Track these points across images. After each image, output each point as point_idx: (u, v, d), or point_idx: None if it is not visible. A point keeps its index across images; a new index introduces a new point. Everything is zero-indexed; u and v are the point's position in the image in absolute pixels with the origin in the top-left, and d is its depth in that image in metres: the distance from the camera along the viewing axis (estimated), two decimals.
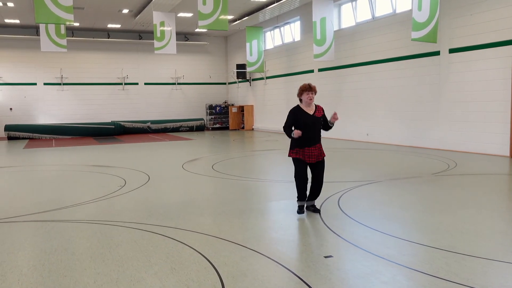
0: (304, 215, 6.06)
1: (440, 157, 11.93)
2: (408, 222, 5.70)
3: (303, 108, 6.04)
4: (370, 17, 16.75)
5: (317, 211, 6.17)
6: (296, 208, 6.24)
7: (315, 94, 6.03)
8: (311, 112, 6.02)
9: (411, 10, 13.22)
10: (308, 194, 6.23)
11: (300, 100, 6.12)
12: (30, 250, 4.86)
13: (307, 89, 6.00)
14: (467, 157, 11.91)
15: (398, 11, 15.43)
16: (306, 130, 5.92)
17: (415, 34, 12.45)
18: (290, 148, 6.13)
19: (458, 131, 13.20)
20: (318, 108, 6.13)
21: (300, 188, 6.12)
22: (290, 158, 6.18)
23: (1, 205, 7.28)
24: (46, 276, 4.06)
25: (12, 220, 6.11)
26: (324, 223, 5.60)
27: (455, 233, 5.17)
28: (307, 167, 6.08)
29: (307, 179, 6.11)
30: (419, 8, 12.39)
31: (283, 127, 6.11)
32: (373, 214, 6.14)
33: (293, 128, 5.99)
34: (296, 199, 6.24)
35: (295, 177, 6.14)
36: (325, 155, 6.16)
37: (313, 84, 6.15)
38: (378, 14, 16.44)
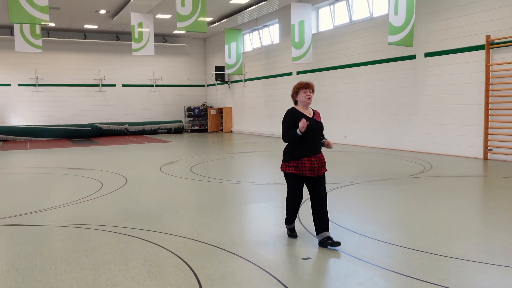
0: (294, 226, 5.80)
1: (416, 159, 12.12)
2: (385, 224, 5.77)
3: (300, 110, 5.02)
4: (347, 20, 16.92)
5: (337, 244, 4.76)
6: (286, 231, 5.24)
7: (313, 93, 5.04)
8: (310, 116, 5.00)
9: (387, 15, 13.41)
10: (315, 226, 4.94)
11: (295, 102, 5.08)
12: (3, 255, 4.74)
13: (304, 87, 4.97)
14: (443, 159, 12.13)
15: (375, 15, 15.64)
16: (306, 136, 4.82)
17: (392, 38, 12.64)
18: (284, 160, 4.98)
19: (434, 134, 13.43)
20: (316, 112, 5.12)
21: (292, 211, 5.07)
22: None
23: None
24: (20, 281, 3.97)
25: None
26: (302, 225, 5.62)
27: (431, 234, 5.25)
28: (303, 185, 5.00)
29: (301, 199, 5.06)
30: (396, 13, 12.57)
31: (283, 135, 4.96)
32: (350, 216, 6.19)
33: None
34: (284, 220, 5.23)
35: (287, 199, 5.09)
36: (326, 170, 5.03)
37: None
38: (355, 18, 16.62)
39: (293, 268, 4.21)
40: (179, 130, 26.61)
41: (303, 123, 4.65)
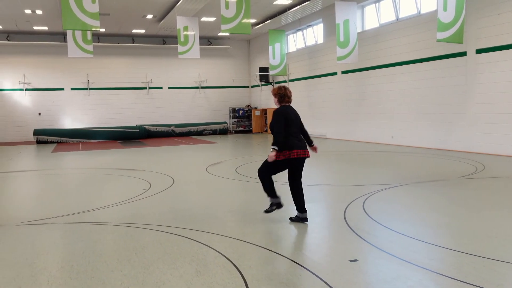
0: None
1: (467, 159, 11.71)
2: (435, 226, 5.60)
3: None
4: (394, 18, 16.57)
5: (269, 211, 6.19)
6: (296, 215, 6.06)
7: (274, 96, 6.20)
8: None
9: (436, 11, 13.03)
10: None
11: None
12: (58, 252, 4.96)
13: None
14: (495, 159, 11.65)
15: (422, 11, 15.23)
16: None
17: (441, 35, 12.27)
18: None
19: (486, 133, 12.93)
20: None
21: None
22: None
23: (30, 207, 7.46)
24: (74, 278, 4.13)
25: (41, 222, 6.24)
26: (349, 227, 5.55)
27: (484, 238, 5.06)
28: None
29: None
30: (445, 9, 12.20)
31: None
32: (398, 217, 6.06)
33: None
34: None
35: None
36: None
37: (289, 88, 6.17)
38: (402, 15, 16.25)
39: (340, 270, 4.16)
40: (224, 131, 26.88)
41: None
